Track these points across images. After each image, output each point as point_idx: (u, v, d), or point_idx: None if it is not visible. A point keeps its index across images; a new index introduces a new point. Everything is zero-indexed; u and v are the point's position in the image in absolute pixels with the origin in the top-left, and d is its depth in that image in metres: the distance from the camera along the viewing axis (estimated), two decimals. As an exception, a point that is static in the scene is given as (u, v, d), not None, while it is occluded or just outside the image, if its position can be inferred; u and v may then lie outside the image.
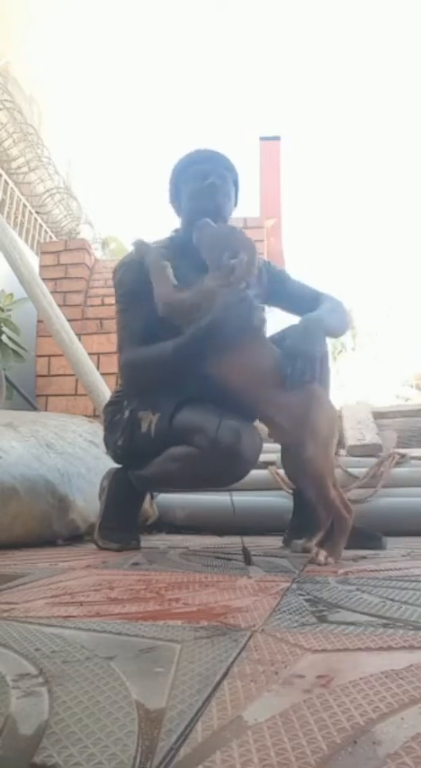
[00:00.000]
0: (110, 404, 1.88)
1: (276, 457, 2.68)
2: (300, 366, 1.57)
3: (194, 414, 1.62)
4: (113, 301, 1.86)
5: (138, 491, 1.85)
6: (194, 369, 1.64)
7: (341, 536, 1.53)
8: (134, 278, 1.75)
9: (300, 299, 1.90)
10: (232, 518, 2.51)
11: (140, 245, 1.78)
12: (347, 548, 1.76)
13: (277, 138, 7.46)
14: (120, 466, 1.87)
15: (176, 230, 1.91)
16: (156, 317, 1.67)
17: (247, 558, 1.48)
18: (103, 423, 1.89)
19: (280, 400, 1.59)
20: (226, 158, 1.86)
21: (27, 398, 3.80)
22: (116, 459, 1.87)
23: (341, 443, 1.98)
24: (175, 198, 1.88)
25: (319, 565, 1.43)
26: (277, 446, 2.82)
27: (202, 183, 1.79)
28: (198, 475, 1.64)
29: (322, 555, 1.47)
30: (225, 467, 1.58)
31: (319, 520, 1.69)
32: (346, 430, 2.97)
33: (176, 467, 1.65)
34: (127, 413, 1.77)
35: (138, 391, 1.78)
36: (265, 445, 2.60)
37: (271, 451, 2.74)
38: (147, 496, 2.43)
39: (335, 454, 1.68)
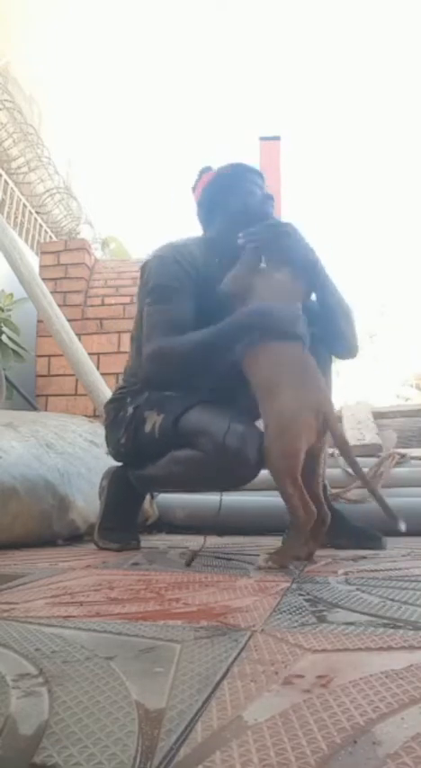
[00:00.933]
0: (112, 401, 1.85)
1: (276, 457, 2.69)
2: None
3: (201, 416, 1.58)
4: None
5: (137, 493, 1.84)
6: (220, 364, 1.59)
7: (293, 538, 1.45)
8: (170, 271, 1.69)
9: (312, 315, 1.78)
10: (233, 519, 2.51)
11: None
12: (347, 548, 1.76)
13: (277, 138, 7.46)
14: (119, 464, 1.86)
15: (207, 234, 1.86)
16: (190, 314, 1.64)
17: (190, 560, 1.46)
18: (105, 420, 1.86)
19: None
20: (260, 174, 1.89)
21: (27, 398, 3.80)
22: (117, 458, 1.85)
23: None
24: (211, 209, 1.82)
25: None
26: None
27: (255, 198, 1.79)
28: (202, 478, 1.61)
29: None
30: (230, 472, 1.55)
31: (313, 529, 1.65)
32: (346, 430, 2.97)
33: (180, 470, 1.62)
34: (130, 410, 1.74)
35: (160, 384, 1.70)
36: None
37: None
38: (147, 496, 2.43)
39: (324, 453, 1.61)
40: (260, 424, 1.69)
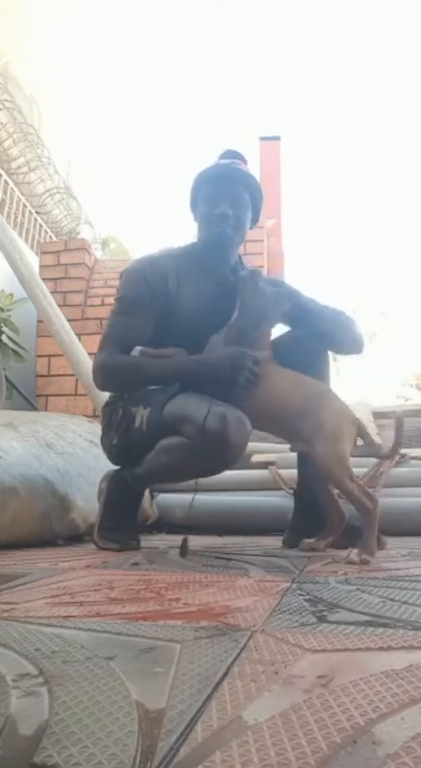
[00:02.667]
0: (107, 404, 1.89)
1: (276, 457, 2.69)
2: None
3: (183, 403, 1.63)
4: (113, 301, 1.86)
5: (135, 492, 1.85)
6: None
7: (370, 529, 1.51)
8: (137, 287, 1.77)
9: (305, 313, 1.84)
10: (233, 519, 2.52)
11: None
12: (346, 547, 1.76)
13: (277, 138, 7.46)
14: (117, 467, 1.87)
15: (194, 242, 1.91)
16: (145, 331, 1.74)
17: (183, 550, 1.54)
18: (101, 424, 1.90)
19: (289, 409, 1.64)
20: (244, 174, 1.83)
21: (27, 398, 3.80)
22: (112, 460, 1.87)
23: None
24: (193, 209, 1.88)
25: (354, 564, 1.41)
26: (277, 446, 2.83)
27: (213, 211, 1.78)
28: (189, 464, 1.65)
29: (355, 554, 1.45)
30: (214, 454, 1.59)
31: (331, 522, 1.75)
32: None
33: (168, 458, 1.66)
34: (120, 411, 1.78)
35: (104, 390, 1.86)
36: (266, 445, 2.59)
37: (271, 451, 2.75)
38: (148, 496, 2.44)
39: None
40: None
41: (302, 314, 1.81)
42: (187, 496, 2.56)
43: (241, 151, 1.92)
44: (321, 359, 1.88)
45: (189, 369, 1.66)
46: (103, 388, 1.86)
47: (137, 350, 1.69)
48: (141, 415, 1.71)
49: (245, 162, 1.89)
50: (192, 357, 1.67)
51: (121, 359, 1.72)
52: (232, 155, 1.89)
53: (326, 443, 1.56)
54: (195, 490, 1.85)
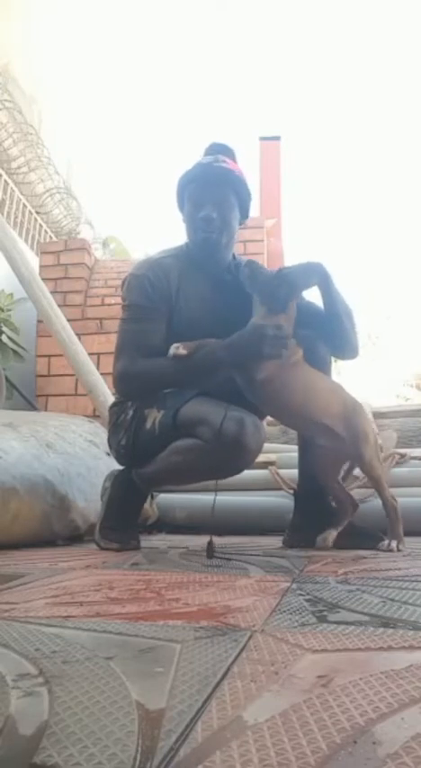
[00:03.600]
0: (114, 404, 1.88)
1: (276, 457, 2.69)
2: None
3: (199, 407, 1.63)
4: (113, 301, 1.87)
5: (139, 492, 1.84)
6: (203, 385, 1.67)
7: (398, 525, 1.76)
8: (144, 292, 1.76)
9: (308, 316, 1.82)
10: (233, 519, 2.51)
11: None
12: (347, 547, 1.77)
13: (277, 138, 7.45)
14: (122, 468, 1.87)
15: (187, 243, 1.89)
16: (160, 334, 1.72)
17: (210, 552, 1.55)
18: (108, 424, 1.90)
19: (331, 413, 1.74)
20: (227, 172, 1.78)
21: (27, 398, 3.80)
22: (119, 460, 1.86)
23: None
24: (180, 209, 1.87)
25: (393, 551, 1.67)
26: (277, 446, 2.83)
27: (197, 215, 1.76)
28: (202, 466, 1.65)
29: (394, 543, 1.71)
30: (229, 458, 1.59)
31: (344, 509, 1.88)
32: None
33: (180, 459, 1.66)
34: (131, 412, 1.77)
35: (129, 399, 1.80)
36: (265, 445, 2.60)
37: (271, 451, 2.75)
38: (148, 497, 2.44)
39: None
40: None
41: (306, 315, 1.80)
42: (187, 497, 2.56)
43: (230, 144, 1.88)
44: (325, 359, 1.86)
45: (217, 356, 1.62)
46: (127, 397, 1.81)
47: (174, 346, 1.65)
48: (154, 416, 1.70)
49: (232, 156, 1.85)
50: (212, 345, 1.64)
51: (144, 363, 1.71)
52: (217, 149, 1.85)
53: (371, 450, 1.77)
54: (216, 490, 1.85)
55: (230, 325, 1.66)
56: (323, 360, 1.84)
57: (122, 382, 1.77)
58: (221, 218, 1.77)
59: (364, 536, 1.82)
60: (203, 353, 1.63)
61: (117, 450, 1.83)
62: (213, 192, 1.76)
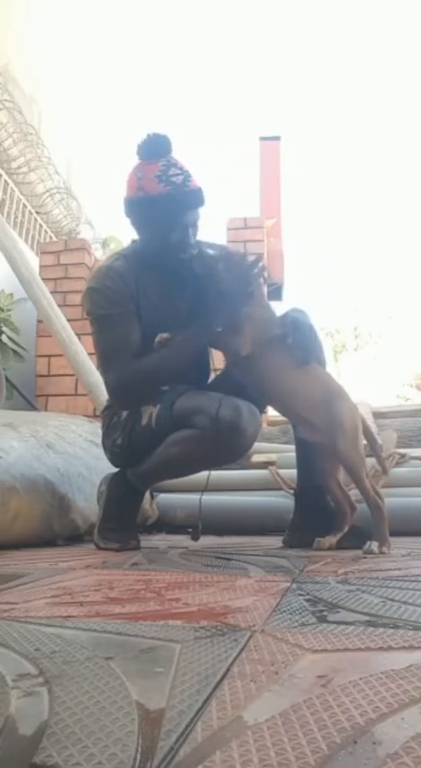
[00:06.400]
0: (106, 407, 1.89)
1: (276, 457, 2.69)
2: (300, 337, 1.70)
3: (195, 397, 1.66)
4: (89, 325, 1.85)
5: (136, 492, 1.85)
6: (192, 374, 1.69)
7: (383, 524, 1.66)
8: (105, 300, 1.74)
9: None
10: (233, 519, 2.51)
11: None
12: (347, 547, 1.77)
13: (277, 138, 7.45)
14: (117, 470, 1.87)
15: (134, 241, 1.85)
16: (137, 333, 1.72)
17: (195, 534, 1.65)
18: (101, 427, 1.90)
19: (307, 397, 1.71)
20: (199, 193, 1.74)
21: (27, 398, 3.80)
22: (114, 461, 1.87)
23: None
24: (137, 218, 1.78)
25: (374, 554, 1.57)
26: (277, 446, 2.83)
27: (170, 235, 1.71)
28: (200, 454, 1.66)
29: (375, 545, 1.59)
30: (227, 442, 1.61)
31: (344, 513, 1.82)
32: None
33: (178, 450, 1.67)
34: (124, 413, 1.79)
35: (130, 406, 1.78)
36: (265, 445, 2.59)
37: (271, 451, 2.75)
38: (148, 497, 2.44)
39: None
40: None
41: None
42: (187, 497, 2.56)
43: (164, 133, 1.77)
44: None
45: (204, 324, 1.67)
46: (128, 404, 1.79)
47: (158, 336, 1.67)
48: (150, 412, 1.72)
49: (170, 149, 1.75)
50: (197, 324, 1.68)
51: (136, 363, 1.70)
52: (157, 146, 1.73)
53: (346, 440, 1.67)
54: (203, 490, 1.87)
55: (195, 318, 1.69)
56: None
57: (121, 390, 1.75)
58: (194, 236, 1.77)
59: (365, 535, 1.82)
60: (190, 336, 1.67)
61: (112, 450, 1.84)
62: (188, 215, 1.73)
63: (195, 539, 1.75)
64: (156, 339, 1.67)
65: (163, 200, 1.69)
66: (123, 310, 1.74)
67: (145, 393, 1.75)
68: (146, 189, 1.71)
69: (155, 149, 1.74)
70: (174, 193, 1.69)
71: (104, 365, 1.78)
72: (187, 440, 1.64)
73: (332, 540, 1.78)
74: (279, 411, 1.93)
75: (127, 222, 1.83)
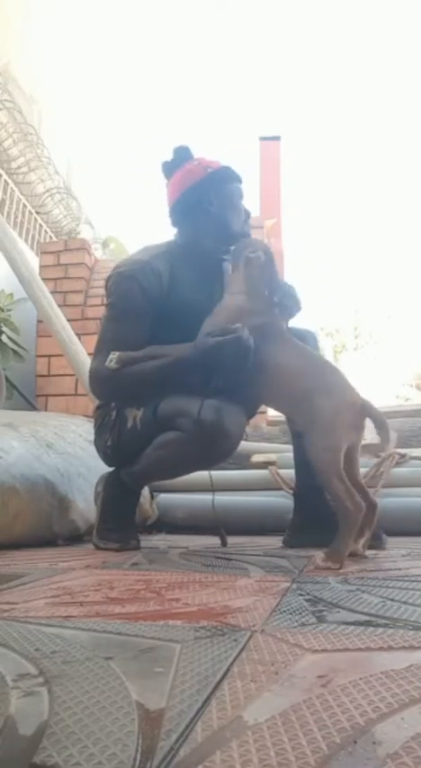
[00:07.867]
0: (99, 407, 1.89)
1: (276, 457, 2.69)
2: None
3: (177, 400, 1.65)
4: (104, 305, 1.84)
5: (132, 491, 1.86)
6: (184, 383, 1.66)
7: (344, 533, 1.42)
8: (131, 293, 1.72)
9: None
10: (233, 519, 2.51)
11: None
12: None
13: (277, 138, 7.46)
14: (112, 470, 1.87)
15: (176, 236, 1.88)
16: (141, 336, 1.70)
17: (223, 540, 1.65)
18: (94, 425, 1.90)
19: (291, 399, 1.63)
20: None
21: (27, 398, 3.80)
22: (107, 461, 1.87)
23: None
24: (196, 205, 1.80)
25: (318, 568, 1.34)
26: (277, 446, 2.83)
27: (237, 222, 1.80)
28: (187, 456, 1.66)
29: (321, 558, 1.38)
30: (211, 444, 1.60)
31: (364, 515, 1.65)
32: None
33: (165, 453, 1.67)
34: (114, 414, 1.79)
35: (101, 399, 1.82)
36: (265, 445, 2.59)
37: (271, 451, 2.75)
38: (148, 496, 2.44)
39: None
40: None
41: None
42: (187, 497, 2.56)
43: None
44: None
45: (194, 359, 1.60)
46: (99, 397, 1.82)
47: (108, 359, 1.64)
48: (134, 415, 1.72)
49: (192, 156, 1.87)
50: (187, 345, 1.62)
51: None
52: (185, 153, 1.84)
53: (316, 434, 1.50)
54: (212, 490, 1.86)
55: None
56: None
57: (93, 382, 1.77)
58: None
59: (376, 536, 1.81)
60: (175, 353, 1.63)
61: (104, 451, 1.84)
62: (241, 204, 1.85)
63: (224, 544, 1.70)
64: (110, 356, 1.64)
65: (222, 173, 1.82)
66: (139, 309, 1.72)
67: (116, 396, 1.77)
68: (199, 174, 1.80)
69: (183, 154, 1.85)
70: (227, 167, 1.83)
71: (96, 350, 1.78)
72: (172, 442, 1.64)
73: (357, 546, 1.54)
74: (266, 400, 1.86)
75: (173, 223, 1.86)
